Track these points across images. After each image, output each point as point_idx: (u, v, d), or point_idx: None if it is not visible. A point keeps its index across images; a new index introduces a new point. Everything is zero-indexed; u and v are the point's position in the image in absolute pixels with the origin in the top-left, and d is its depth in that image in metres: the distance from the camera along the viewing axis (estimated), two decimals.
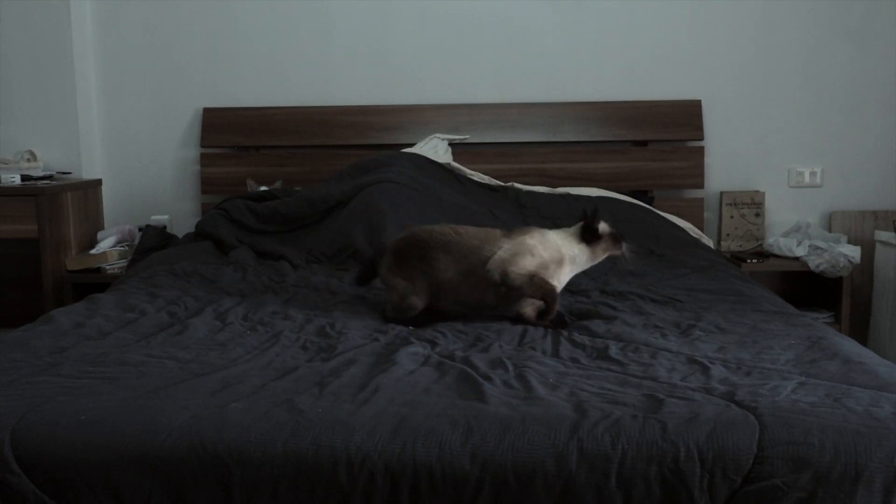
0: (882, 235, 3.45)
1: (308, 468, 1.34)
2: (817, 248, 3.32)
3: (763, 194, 3.64)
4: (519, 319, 2.13)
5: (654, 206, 3.44)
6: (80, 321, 2.10)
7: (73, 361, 1.76)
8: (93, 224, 3.65)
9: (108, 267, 3.35)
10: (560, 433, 1.37)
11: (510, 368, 1.70)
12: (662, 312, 2.20)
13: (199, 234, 3.21)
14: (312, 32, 3.72)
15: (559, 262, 2.11)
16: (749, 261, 3.38)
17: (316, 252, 2.99)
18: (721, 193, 3.65)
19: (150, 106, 3.78)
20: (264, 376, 1.66)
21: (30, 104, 3.63)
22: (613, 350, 1.83)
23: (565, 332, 2.01)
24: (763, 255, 3.45)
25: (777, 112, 3.67)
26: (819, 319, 3.05)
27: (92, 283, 3.27)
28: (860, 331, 3.50)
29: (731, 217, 3.63)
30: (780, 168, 3.69)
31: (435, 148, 3.55)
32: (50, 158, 3.62)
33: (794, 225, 3.61)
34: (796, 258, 3.35)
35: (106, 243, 3.46)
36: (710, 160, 3.68)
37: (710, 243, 3.38)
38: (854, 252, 3.26)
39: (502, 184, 3.46)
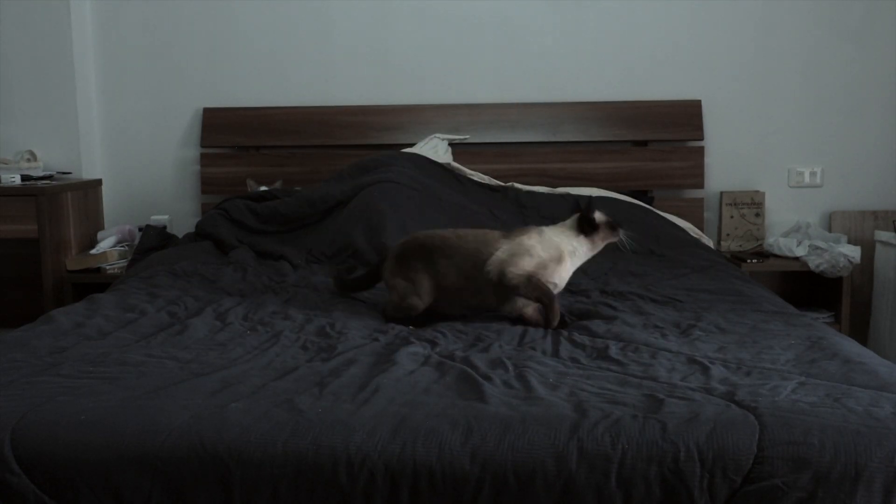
0: (882, 235, 3.45)
1: (308, 468, 1.34)
2: (817, 248, 3.32)
3: (763, 194, 3.64)
4: (520, 320, 2.13)
5: (654, 206, 3.45)
6: (80, 321, 2.10)
7: (73, 361, 1.76)
8: (93, 224, 3.65)
9: (108, 267, 3.35)
10: (560, 433, 1.37)
11: (510, 368, 1.70)
12: (662, 312, 2.20)
13: (199, 234, 3.22)
14: (312, 32, 3.72)
15: (558, 260, 2.11)
16: (749, 261, 3.38)
17: (316, 252, 2.99)
18: (721, 193, 3.65)
19: (150, 106, 3.78)
20: (264, 376, 1.66)
21: (30, 104, 3.63)
22: (613, 350, 1.83)
23: (565, 332, 2.01)
24: (763, 255, 3.45)
25: (777, 112, 3.67)
26: (819, 319, 3.06)
27: (92, 283, 3.27)
28: (860, 331, 3.50)
29: (731, 217, 3.63)
30: (780, 168, 3.69)
31: (435, 148, 3.55)
32: (50, 158, 3.62)
33: (794, 225, 3.61)
34: (796, 258, 3.35)
35: (106, 243, 3.46)
36: (710, 160, 3.68)
37: (710, 243, 3.38)
38: (854, 252, 3.26)
39: (502, 184, 3.46)
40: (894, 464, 1.31)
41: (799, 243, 3.38)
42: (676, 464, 1.32)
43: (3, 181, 3.32)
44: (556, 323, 2.07)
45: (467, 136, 3.66)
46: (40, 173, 3.47)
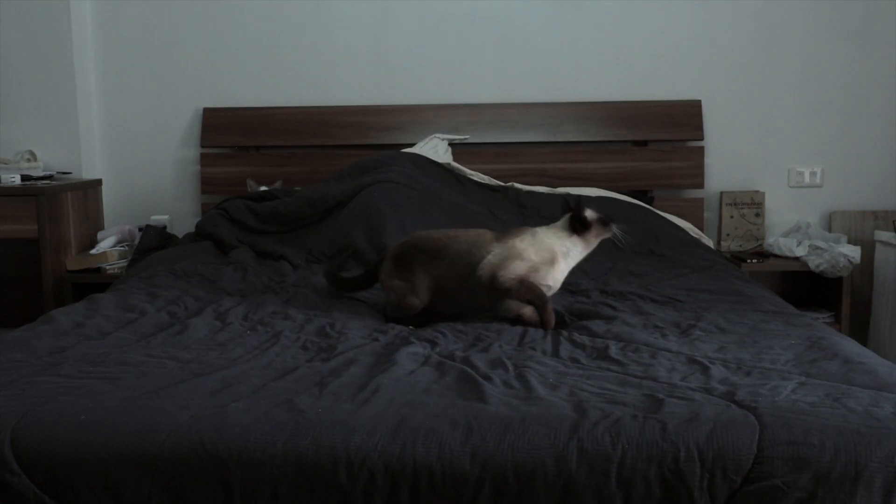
0: (882, 235, 3.45)
1: (308, 468, 1.35)
2: (817, 248, 3.32)
3: (763, 194, 3.64)
4: (518, 321, 2.13)
5: (654, 206, 3.44)
6: (80, 321, 2.11)
7: (73, 361, 1.76)
8: (93, 224, 3.65)
9: (108, 267, 3.35)
10: (560, 433, 1.37)
11: (510, 368, 1.70)
12: (662, 312, 2.20)
13: (199, 234, 3.21)
14: (312, 32, 3.72)
15: (551, 262, 2.11)
16: (749, 261, 3.38)
17: (316, 252, 2.99)
18: (721, 193, 3.65)
19: (150, 106, 3.78)
20: (264, 376, 1.66)
21: (30, 104, 3.63)
22: (613, 350, 1.83)
23: (565, 332, 2.00)
24: (763, 255, 3.45)
25: (777, 112, 3.67)
26: (819, 319, 3.06)
27: (92, 283, 3.27)
28: (860, 331, 3.50)
29: (731, 217, 3.63)
30: (780, 168, 3.69)
31: (435, 148, 3.55)
32: (50, 158, 3.62)
33: (794, 225, 3.61)
34: (796, 258, 3.35)
35: (106, 243, 3.46)
36: (710, 160, 3.68)
37: (710, 243, 3.38)
38: (854, 252, 3.26)
39: (502, 184, 3.46)
40: (894, 464, 1.31)
41: (799, 243, 3.38)
42: (676, 464, 1.32)
43: (3, 181, 3.32)
44: (551, 324, 2.07)
45: (467, 136, 3.66)
46: (40, 173, 3.47)
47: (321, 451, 1.35)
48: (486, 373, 1.66)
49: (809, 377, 1.61)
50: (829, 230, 3.64)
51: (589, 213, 2.15)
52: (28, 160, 3.53)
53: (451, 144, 3.63)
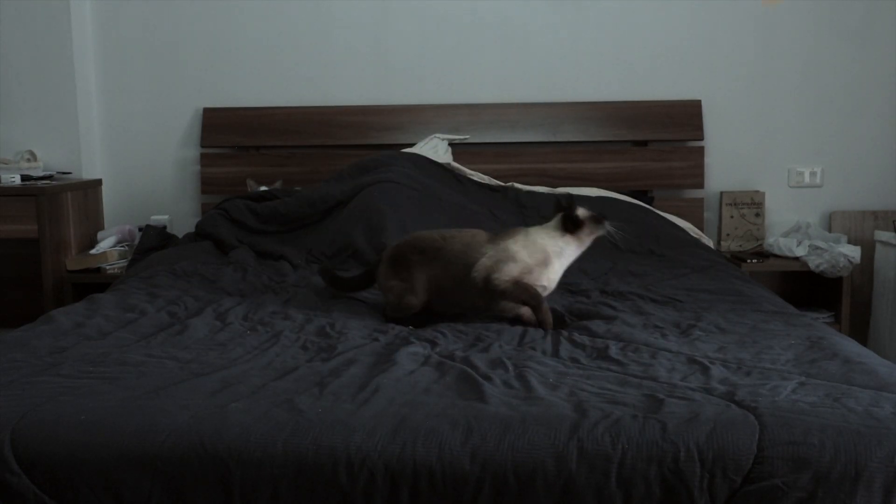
0: (882, 235, 3.45)
1: (308, 468, 1.35)
2: (817, 248, 3.32)
3: (763, 194, 3.64)
4: (517, 321, 2.13)
5: (654, 206, 3.44)
6: (80, 321, 2.11)
7: (73, 361, 1.76)
8: (93, 224, 3.65)
9: (108, 267, 3.35)
10: (560, 433, 1.37)
11: (510, 368, 1.70)
12: (662, 312, 2.20)
13: (199, 234, 3.21)
14: (312, 32, 3.72)
15: (544, 263, 2.11)
16: (749, 261, 3.38)
17: (316, 252, 2.99)
18: (721, 193, 3.65)
19: (150, 106, 3.78)
20: (264, 376, 1.66)
21: (30, 104, 3.63)
22: (613, 350, 1.83)
23: (565, 332, 2.00)
24: (763, 255, 3.45)
25: (777, 112, 3.67)
26: (819, 319, 3.06)
27: (92, 283, 3.27)
28: (860, 331, 3.50)
29: (731, 217, 3.63)
30: (780, 168, 3.69)
31: (435, 148, 3.55)
32: (50, 158, 3.62)
33: (794, 225, 3.61)
34: (796, 258, 3.35)
35: (106, 243, 3.46)
36: (710, 160, 3.68)
37: (710, 243, 3.38)
38: (854, 252, 3.26)
39: (502, 184, 3.46)
40: (894, 464, 1.31)
41: (799, 243, 3.38)
42: (676, 464, 1.32)
43: (3, 181, 3.32)
44: (549, 324, 2.07)
45: (467, 136, 3.66)
46: (40, 173, 3.47)
47: (321, 451, 1.35)
48: (486, 373, 1.66)
49: (809, 377, 1.61)
50: (829, 230, 3.64)
51: (581, 212, 2.14)
52: (28, 160, 3.53)
53: (451, 144, 3.63)
